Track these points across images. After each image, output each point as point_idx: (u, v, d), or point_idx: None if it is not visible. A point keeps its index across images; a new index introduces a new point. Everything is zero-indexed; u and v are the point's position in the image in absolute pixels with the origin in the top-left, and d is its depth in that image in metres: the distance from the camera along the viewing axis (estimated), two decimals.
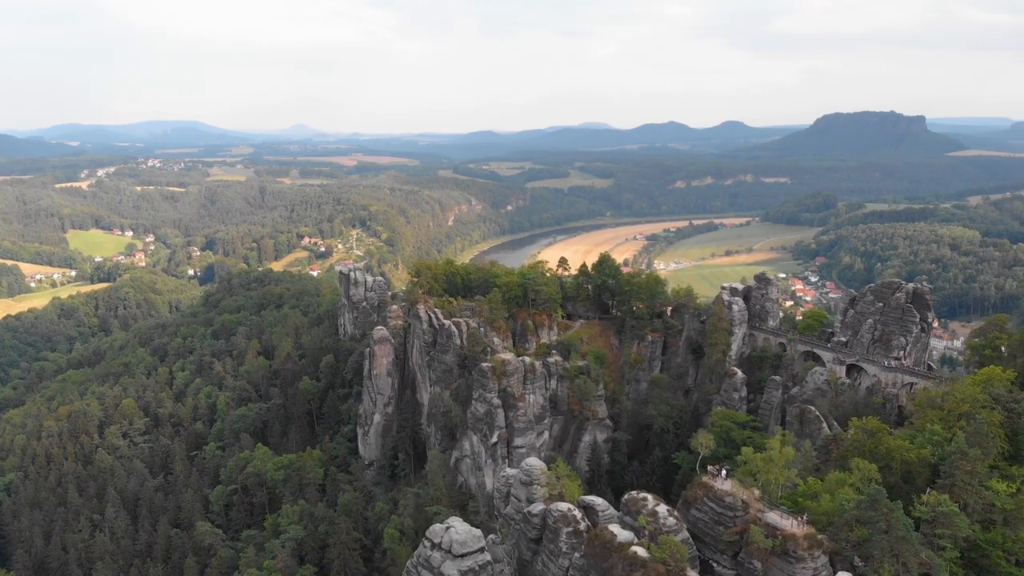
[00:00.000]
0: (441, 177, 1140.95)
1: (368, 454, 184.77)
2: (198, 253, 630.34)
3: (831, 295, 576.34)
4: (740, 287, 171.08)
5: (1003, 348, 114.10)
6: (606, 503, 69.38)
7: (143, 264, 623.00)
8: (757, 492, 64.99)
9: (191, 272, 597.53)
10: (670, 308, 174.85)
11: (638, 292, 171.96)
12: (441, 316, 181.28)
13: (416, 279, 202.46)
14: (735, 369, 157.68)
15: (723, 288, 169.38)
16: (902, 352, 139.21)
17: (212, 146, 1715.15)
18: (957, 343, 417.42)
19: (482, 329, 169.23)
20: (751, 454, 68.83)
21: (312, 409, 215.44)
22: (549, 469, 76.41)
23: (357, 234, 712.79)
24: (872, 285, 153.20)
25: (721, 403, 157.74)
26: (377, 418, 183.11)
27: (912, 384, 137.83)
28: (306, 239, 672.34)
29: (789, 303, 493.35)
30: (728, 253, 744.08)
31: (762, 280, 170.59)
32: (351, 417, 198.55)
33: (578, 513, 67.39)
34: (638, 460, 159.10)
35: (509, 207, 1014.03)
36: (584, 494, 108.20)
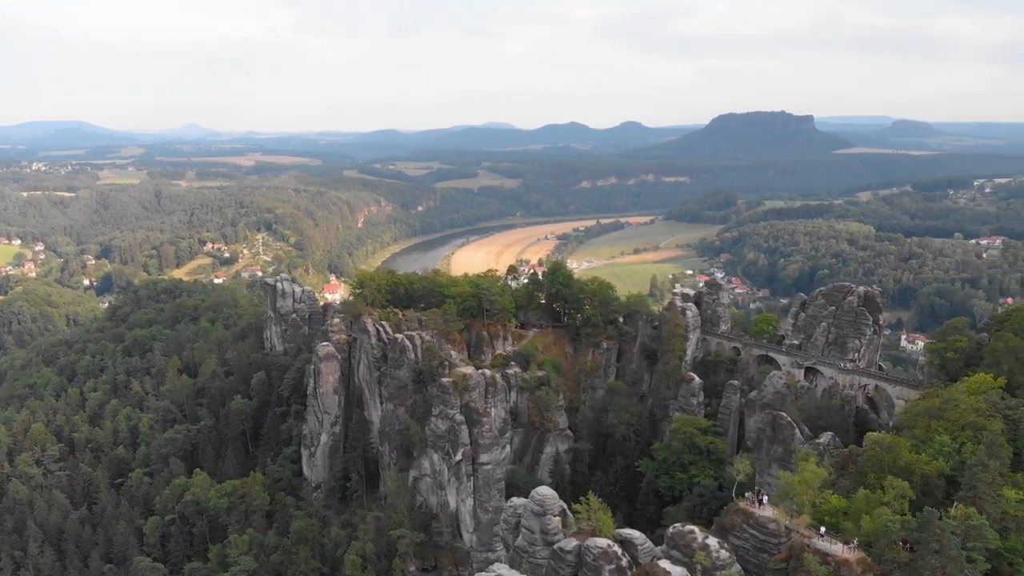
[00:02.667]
0: (347, 177, 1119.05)
1: (315, 476, 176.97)
2: (93, 262, 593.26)
3: (737, 291, 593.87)
4: (691, 293, 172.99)
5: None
6: (644, 536, 67.10)
7: (34, 275, 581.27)
8: (806, 518, 64.16)
9: (87, 282, 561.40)
10: (622, 315, 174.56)
11: (591, 299, 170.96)
12: (389, 329, 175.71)
13: (359, 290, 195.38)
14: (692, 374, 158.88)
15: (674, 294, 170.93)
16: (857, 354, 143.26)
17: (100, 147, 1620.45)
18: None
19: (436, 342, 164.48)
20: (789, 477, 68.04)
21: (246, 430, 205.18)
22: (579, 502, 73.60)
23: (263, 238, 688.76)
24: (823, 289, 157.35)
25: (679, 408, 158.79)
26: (324, 438, 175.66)
27: (866, 385, 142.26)
28: (209, 244, 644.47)
29: None
30: (637, 251, 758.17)
31: (713, 286, 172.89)
32: (292, 437, 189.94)
33: (618, 549, 64.82)
34: (600, 469, 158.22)
35: (420, 208, 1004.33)
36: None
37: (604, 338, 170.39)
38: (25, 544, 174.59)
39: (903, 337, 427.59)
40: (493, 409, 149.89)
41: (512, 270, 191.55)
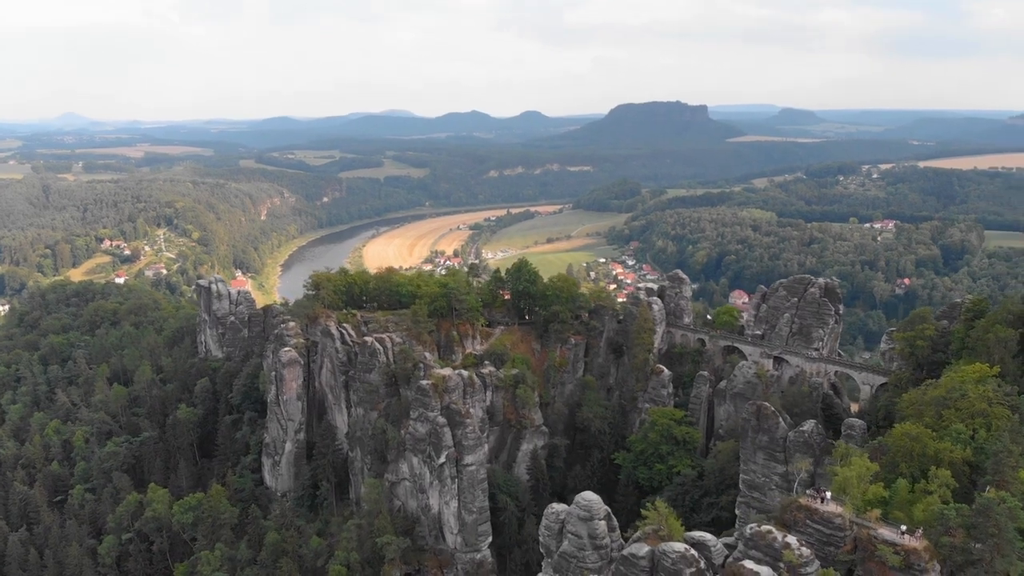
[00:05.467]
0: (245, 168, 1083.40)
1: (280, 485, 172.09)
2: None
3: (648, 277, 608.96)
4: (655, 287, 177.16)
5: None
6: (715, 538, 69.21)
7: None
8: (877, 512, 67.70)
9: None
10: (587, 310, 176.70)
11: (558, 296, 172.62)
12: (353, 332, 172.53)
13: (313, 291, 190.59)
14: (661, 367, 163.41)
15: (638, 288, 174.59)
16: (821, 343, 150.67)
17: None
18: None
19: (407, 344, 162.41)
20: (847, 472, 71.51)
21: (193, 440, 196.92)
22: (646, 508, 74.95)
23: (165, 234, 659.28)
24: (783, 281, 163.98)
25: (649, 400, 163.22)
26: (289, 446, 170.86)
27: (829, 372, 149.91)
28: (107, 242, 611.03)
29: (612, 286, 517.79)
30: (550, 240, 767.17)
31: (675, 280, 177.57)
32: (250, 446, 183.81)
33: (695, 552, 66.68)
34: (577, 464, 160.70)
35: (325, 199, 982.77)
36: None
37: (572, 334, 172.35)
38: None
39: None
40: (472, 409, 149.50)
41: (473, 268, 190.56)
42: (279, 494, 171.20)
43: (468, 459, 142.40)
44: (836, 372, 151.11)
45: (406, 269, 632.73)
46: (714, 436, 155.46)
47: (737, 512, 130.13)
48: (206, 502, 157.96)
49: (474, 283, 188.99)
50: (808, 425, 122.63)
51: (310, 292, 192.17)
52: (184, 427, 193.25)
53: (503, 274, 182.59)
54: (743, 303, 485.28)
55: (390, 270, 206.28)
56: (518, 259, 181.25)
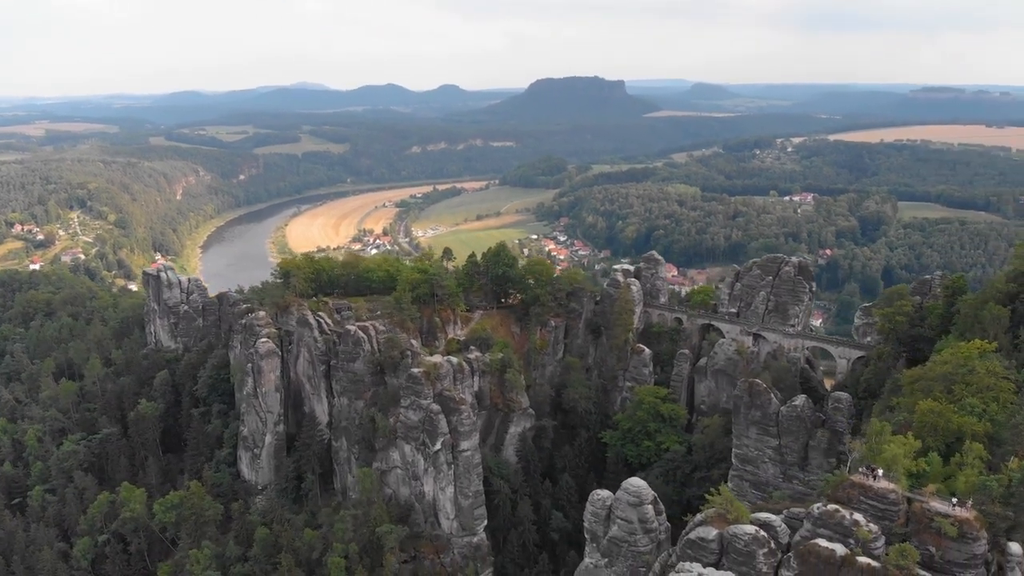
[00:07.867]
0: (156, 145, 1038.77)
1: (261, 478, 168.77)
2: None
3: (580, 252, 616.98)
4: (631, 268, 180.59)
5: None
6: (779, 519, 72.46)
7: None
8: (933, 487, 72.18)
9: None
10: (566, 293, 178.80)
11: (538, 280, 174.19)
12: (329, 320, 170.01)
13: (280, 279, 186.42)
14: (642, 346, 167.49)
15: (615, 270, 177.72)
16: (797, 319, 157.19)
17: None
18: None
19: (391, 331, 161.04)
20: (894, 449, 75.75)
21: (156, 435, 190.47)
22: (711, 494, 77.53)
23: (79, 217, 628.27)
24: (757, 260, 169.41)
25: (631, 379, 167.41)
26: (269, 438, 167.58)
27: (803, 348, 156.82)
28: (18, 227, 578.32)
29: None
30: (479, 217, 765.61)
31: (650, 260, 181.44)
32: (224, 440, 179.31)
33: (764, 533, 69.83)
34: (564, 444, 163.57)
35: (241, 176, 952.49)
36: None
37: (551, 316, 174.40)
38: None
39: None
40: (463, 395, 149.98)
41: (447, 253, 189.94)
42: (259, 487, 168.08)
43: (464, 445, 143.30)
44: (810, 347, 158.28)
45: (335, 248, 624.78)
46: (696, 412, 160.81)
47: (729, 485, 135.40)
48: (187, 499, 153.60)
49: (450, 267, 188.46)
50: (799, 400, 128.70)
51: (278, 280, 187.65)
52: (148, 423, 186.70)
53: (479, 258, 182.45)
54: (672, 276, 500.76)
55: (358, 257, 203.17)
56: (498, 244, 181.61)
